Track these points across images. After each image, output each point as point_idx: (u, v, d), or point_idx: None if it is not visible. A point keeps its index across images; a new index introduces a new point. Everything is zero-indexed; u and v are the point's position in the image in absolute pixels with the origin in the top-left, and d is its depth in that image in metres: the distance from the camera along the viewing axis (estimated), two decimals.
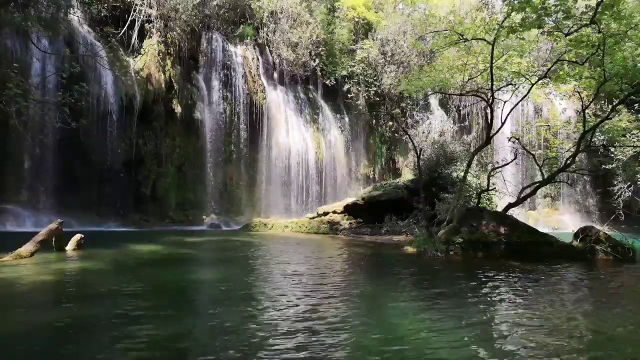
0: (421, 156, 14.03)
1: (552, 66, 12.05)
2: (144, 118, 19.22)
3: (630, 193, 20.54)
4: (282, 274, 7.35)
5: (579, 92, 13.80)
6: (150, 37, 20.18)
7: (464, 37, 11.69)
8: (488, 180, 13.28)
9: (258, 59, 23.91)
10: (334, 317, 4.56)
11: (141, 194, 19.17)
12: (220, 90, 22.09)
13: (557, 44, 12.83)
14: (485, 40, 11.57)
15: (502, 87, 13.03)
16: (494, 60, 11.31)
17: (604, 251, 9.73)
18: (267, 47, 24.40)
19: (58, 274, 6.72)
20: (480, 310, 5.01)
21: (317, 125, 25.31)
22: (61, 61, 16.08)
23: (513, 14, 10.37)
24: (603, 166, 19.48)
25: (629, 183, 20.34)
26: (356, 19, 27.20)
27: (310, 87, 26.39)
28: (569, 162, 12.21)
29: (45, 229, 8.52)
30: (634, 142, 15.53)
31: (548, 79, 12.64)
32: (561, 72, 12.12)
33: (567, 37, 10.54)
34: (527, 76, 12.59)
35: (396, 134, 27.03)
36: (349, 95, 26.32)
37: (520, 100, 13.60)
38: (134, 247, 10.48)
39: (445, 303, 5.36)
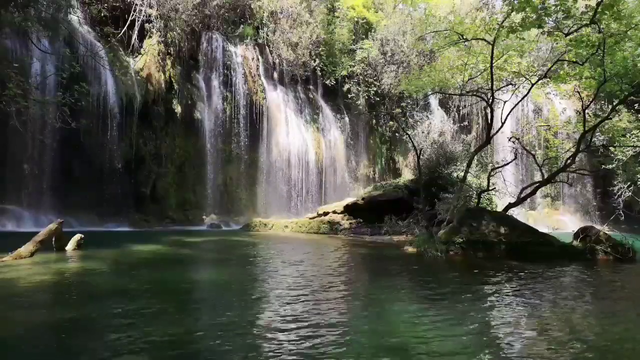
0: (421, 156, 14.05)
1: (552, 66, 12.05)
2: (144, 118, 19.21)
3: (630, 193, 20.50)
4: (282, 274, 7.36)
5: (579, 92, 13.80)
6: (150, 37, 20.18)
7: (464, 37, 11.70)
8: (488, 180, 13.29)
9: (258, 59, 23.90)
10: (334, 315, 4.57)
11: (141, 194, 19.15)
12: (220, 90, 22.09)
13: (557, 44, 12.83)
14: (485, 40, 11.59)
15: (502, 87, 13.05)
16: (494, 60, 11.32)
17: (604, 251, 9.73)
18: (267, 47, 24.38)
19: (58, 274, 6.72)
20: (480, 310, 5.02)
21: (317, 125, 25.31)
22: (61, 61, 16.06)
23: (513, 14, 10.38)
24: (603, 166, 19.43)
25: (629, 183, 20.30)
26: (356, 19, 27.19)
27: (310, 87, 26.38)
28: (569, 162, 12.22)
29: (45, 229, 8.52)
30: (634, 142, 15.52)
31: (548, 79, 12.63)
32: (561, 72, 12.14)
33: (567, 37, 10.55)
34: (527, 76, 12.61)
35: (396, 134, 27.02)
36: (349, 95, 26.31)
37: (520, 100, 13.61)
38: (134, 247, 10.47)
39: (445, 302, 5.36)
